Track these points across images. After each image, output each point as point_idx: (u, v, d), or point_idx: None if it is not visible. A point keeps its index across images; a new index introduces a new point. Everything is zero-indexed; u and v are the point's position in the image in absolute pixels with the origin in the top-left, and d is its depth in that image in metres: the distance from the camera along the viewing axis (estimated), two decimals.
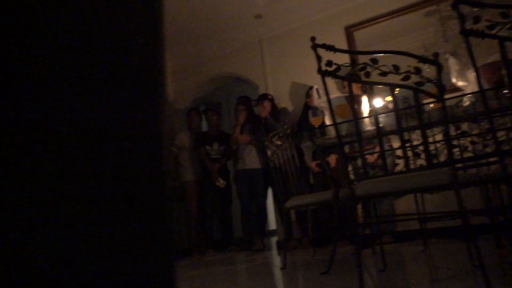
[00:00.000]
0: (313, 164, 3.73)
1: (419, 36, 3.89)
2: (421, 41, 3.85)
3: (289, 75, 4.44)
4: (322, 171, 3.61)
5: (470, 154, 2.41)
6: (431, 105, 2.27)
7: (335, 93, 3.81)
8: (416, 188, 1.46)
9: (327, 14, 4.28)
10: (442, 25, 3.83)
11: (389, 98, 2.18)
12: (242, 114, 4.27)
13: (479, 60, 2.14)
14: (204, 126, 5.23)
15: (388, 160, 2.86)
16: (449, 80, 2.47)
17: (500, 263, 1.99)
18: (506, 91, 1.65)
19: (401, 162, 2.33)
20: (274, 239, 4.95)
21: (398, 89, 2.02)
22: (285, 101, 4.41)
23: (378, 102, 2.55)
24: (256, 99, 4.25)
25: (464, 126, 2.52)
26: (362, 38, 4.11)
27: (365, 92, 3.06)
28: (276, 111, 4.13)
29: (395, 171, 2.44)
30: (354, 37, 4.13)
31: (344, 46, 4.08)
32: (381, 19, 4.00)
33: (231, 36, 4.78)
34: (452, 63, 2.04)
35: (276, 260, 3.26)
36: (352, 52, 1.54)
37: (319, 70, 1.53)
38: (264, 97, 4.15)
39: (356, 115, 1.55)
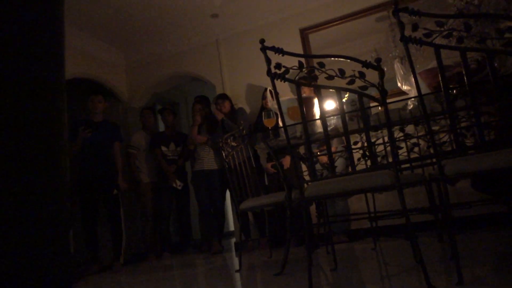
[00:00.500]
0: (268, 166, 3.76)
1: (371, 40, 4.04)
2: (372, 45, 3.99)
3: (245, 76, 4.44)
4: (277, 172, 3.64)
5: (416, 155, 2.53)
6: (380, 108, 2.36)
7: (289, 95, 3.86)
8: (361, 189, 1.50)
9: (283, 16, 4.33)
10: (392, 30, 3.99)
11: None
12: (199, 114, 4.21)
13: (426, 65, 2.25)
14: (161, 127, 5.11)
15: (340, 161, 2.94)
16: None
17: (441, 258, 2.11)
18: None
19: (355, 162, 2.40)
20: (233, 241, 4.93)
21: (348, 93, 2.08)
22: (242, 102, 4.41)
23: (331, 105, 2.61)
24: (217, 97, 4.20)
25: (410, 128, 2.64)
26: (317, 41, 4.20)
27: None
28: (233, 112, 4.12)
29: (349, 171, 2.51)
30: (309, 39, 4.22)
31: (299, 49, 4.15)
32: (334, 23, 4.11)
33: (187, 34, 4.70)
34: (397, 68, 2.13)
35: (233, 262, 3.24)
36: (300, 55, 1.56)
37: (268, 72, 1.53)
38: (225, 96, 4.15)
39: (305, 117, 1.56)
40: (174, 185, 4.34)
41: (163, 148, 4.45)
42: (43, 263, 0.32)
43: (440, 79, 1.40)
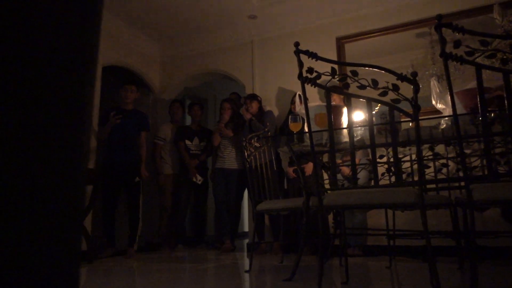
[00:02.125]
0: (290, 170, 3.73)
1: (409, 56, 3.94)
2: (410, 61, 3.90)
3: (277, 80, 4.43)
4: (297, 177, 3.60)
5: (444, 176, 2.44)
6: (411, 124, 2.30)
7: (318, 102, 3.82)
8: (382, 204, 1.46)
9: (321, 23, 4.29)
10: (432, 47, 3.88)
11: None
12: (227, 113, 4.24)
13: (464, 86, 2.17)
14: (189, 121, 5.18)
15: (363, 173, 2.88)
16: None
17: (459, 286, 2.02)
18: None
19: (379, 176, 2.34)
20: (246, 241, 4.93)
21: (379, 105, 2.04)
22: (271, 105, 4.40)
23: (359, 116, 2.57)
24: (246, 97, 4.22)
25: (441, 148, 2.55)
26: (353, 52, 4.13)
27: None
28: (261, 113, 4.12)
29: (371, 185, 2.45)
30: (345, 49, 4.16)
31: (334, 57, 4.10)
32: (372, 35, 4.03)
33: (223, 33, 4.75)
34: (433, 86, 2.06)
35: (244, 263, 3.23)
36: (333, 61, 1.54)
37: (300, 76, 1.52)
38: (254, 97, 4.15)
39: (332, 125, 1.54)
40: (194, 179, 4.39)
41: (187, 142, 4.51)
42: (49, 260, 0.31)
43: (478, 100, 1.34)
